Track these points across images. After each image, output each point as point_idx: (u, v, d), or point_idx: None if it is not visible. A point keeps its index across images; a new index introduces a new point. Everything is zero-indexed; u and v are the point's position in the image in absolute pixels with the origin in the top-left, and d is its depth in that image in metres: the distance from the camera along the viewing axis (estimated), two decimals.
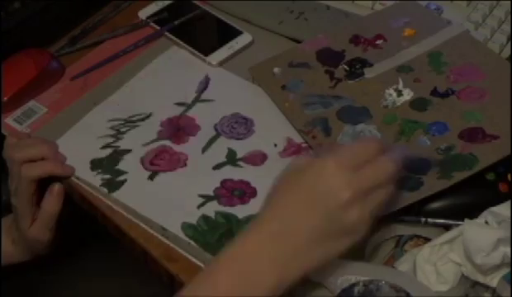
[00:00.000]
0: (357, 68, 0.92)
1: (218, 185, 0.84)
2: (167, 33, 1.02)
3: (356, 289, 0.66)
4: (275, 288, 0.65)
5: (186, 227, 0.80)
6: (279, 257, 0.65)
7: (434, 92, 0.88)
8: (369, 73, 0.92)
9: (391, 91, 0.89)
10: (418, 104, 0.87)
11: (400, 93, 0.88)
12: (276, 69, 0.94)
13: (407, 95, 0.88)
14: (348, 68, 0.92)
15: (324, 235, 0.65)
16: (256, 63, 0.95)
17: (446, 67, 0.90)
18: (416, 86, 0.89)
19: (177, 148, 0.88)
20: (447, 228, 0.74)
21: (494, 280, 0.69)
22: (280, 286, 0.65)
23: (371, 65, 0.92)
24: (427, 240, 0.75)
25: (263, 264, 0.65)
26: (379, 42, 0.95)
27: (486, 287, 0.70)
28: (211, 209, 0.81)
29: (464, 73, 0.89)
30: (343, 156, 0.67)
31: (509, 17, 0.98)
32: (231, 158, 0.86)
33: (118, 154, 0.87)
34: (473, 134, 0.81)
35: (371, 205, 0.66)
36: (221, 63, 0.98)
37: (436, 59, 0.91)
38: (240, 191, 0.83)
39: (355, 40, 0.96)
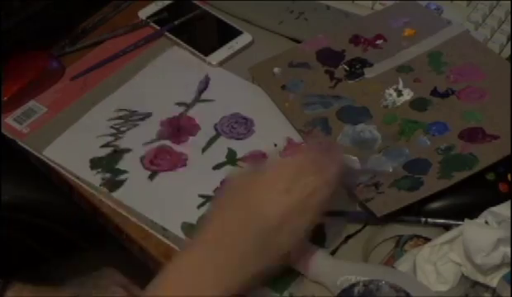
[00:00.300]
0: (357, 68, 0.92)
1: (218, 185, 0.84)
2: (167, 33, 1.02)
3: (356, 289, 0.66)
4: None
5: (186, 227, 0.80)
6: (221, 269, 0.66)
7: (434, 92, 0.88)
8: (369, 73, 0.92)
9: (391, 91, 0.89)
10: (418, 104, 0.87)
11: (400, 93, 0.88)
12: (276, 69, 0.94)
13: (407, 95, 0.88)
14: (348, 68, 0.92)
15: (258, 251, 0.66)
16: (256, 63, 0.95)
17: (446, 67, 0.90)
18: (416, 86, 0.89)
19: (177, 147, 0.88)
20: (447, 228, 0.74)
21: (494, 280, 0.69)
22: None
23: (371, 65, 0.92)
24: (427, 240, 0.74)
25: (208, 276, 0.65)
26: (379, 42, 0.95)
27: (486, 287, 0.70)
28: None
29: (464, 73, 0.89)
30: (278, 172, 0.69)
31: (509, 17, 0.98)
32: (231, 158, 0.86)
33: (118, 153, 0.87)
34: (473, 134, 0.81)
35: (302, 222, 0.67)
36: (221, 63, 0.98)
37: (436, 59, 0.91)
38: None
39: (355, 40, 0.96)
